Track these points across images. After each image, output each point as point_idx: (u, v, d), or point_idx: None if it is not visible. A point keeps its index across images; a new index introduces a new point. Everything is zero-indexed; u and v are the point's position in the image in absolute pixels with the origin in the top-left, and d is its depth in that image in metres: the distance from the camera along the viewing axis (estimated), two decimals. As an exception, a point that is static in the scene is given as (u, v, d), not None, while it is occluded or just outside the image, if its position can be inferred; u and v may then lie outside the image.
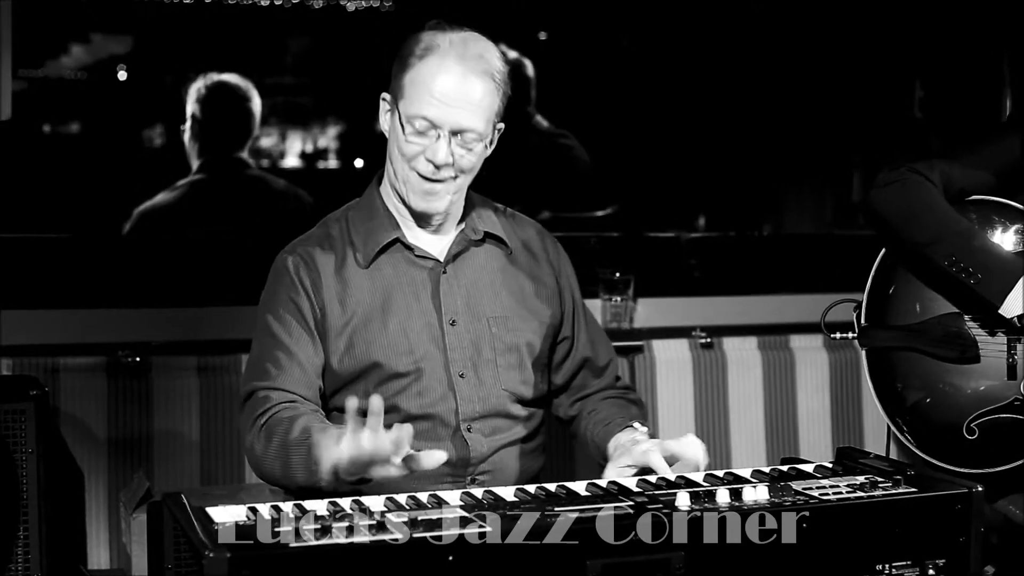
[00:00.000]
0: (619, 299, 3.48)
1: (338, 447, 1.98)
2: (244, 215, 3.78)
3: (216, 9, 6.02)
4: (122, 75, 6.42)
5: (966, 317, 2.87)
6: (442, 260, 2.42)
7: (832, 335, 3.10)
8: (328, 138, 7.20)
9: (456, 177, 2.32)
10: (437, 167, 2.29)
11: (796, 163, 6.16)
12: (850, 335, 3.04)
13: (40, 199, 5.36)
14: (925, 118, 5.18)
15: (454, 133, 2.27)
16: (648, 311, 3.55)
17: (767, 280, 3.81)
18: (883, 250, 3.01)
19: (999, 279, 2.74)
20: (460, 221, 2.46)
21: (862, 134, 5.98)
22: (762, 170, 6.20)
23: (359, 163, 7.13)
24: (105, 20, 6.29)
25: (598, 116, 6.04)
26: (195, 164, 3.86)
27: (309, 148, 7.11)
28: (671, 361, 3.43)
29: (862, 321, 3.02)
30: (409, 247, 2.40)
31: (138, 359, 3.05)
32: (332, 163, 7.15)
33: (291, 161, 7.07)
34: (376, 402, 1.93)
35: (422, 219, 2.40)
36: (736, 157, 6.14)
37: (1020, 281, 2.72)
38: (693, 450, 2.21)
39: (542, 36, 6.30)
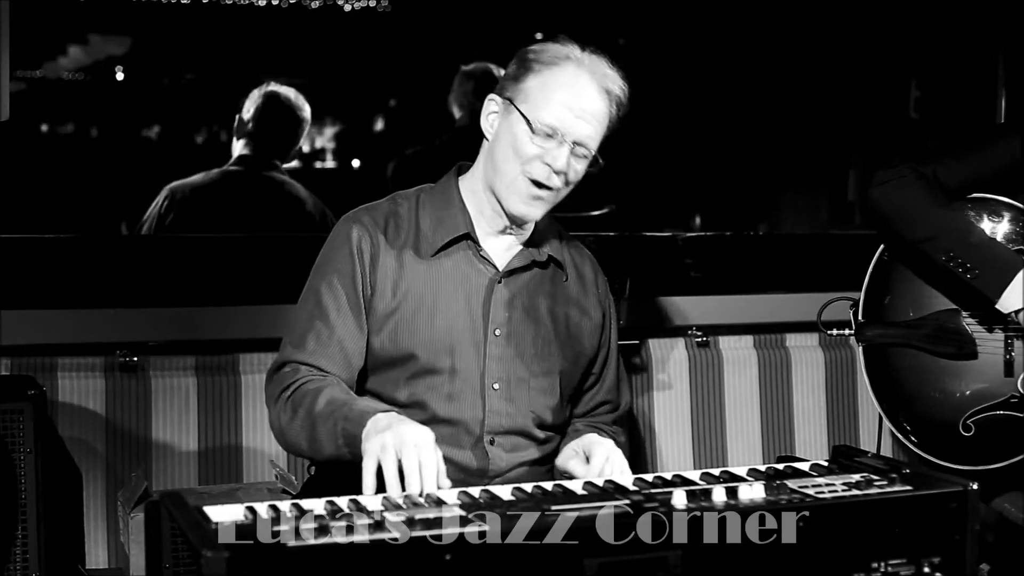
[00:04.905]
0: (615, 298, 3.48)
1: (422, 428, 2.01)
2: (262, 216, 3.79)
3: (213, 10, 6.03)
4: (119, 76, 6.42)
5: (964, 314, 2.88)
6: (501, 269, 2.40)
7: (829, 332, 3.10)
8: (325, 138, 7.20)
9: (561, 188, 2.33)
10: (554, 172, 2.29)
11: (792, 163, 6.18)
12: (847, 332, 3.05)
13: (38, 199, 5.38)
14: (921, 118, 5.18)
15: (574, 144, 2.29)
16: (644, 310, 3.55)
17: (763, 279, 3.81)
18: (880, 248, 3.01)
19: (997, 274, 2.74)
20: (528, 237, 2.44)
21: (858, 134, 6.00)
22: (758, 170, 6.22)
23: (356, 163, 7.13)
24: (103, 21, 6.29)
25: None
26: (235, 155, 3.91)
27: (307, 148, 7.12)
28: (667, 360, 3.44)
29: (859, 318, 3.03)
30: (476, 243, 2.38)
31: (136, 359, 3.05)
32: (329, 163, 7.16)
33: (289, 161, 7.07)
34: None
35: (513, 222, 2.38)
36: (732, 157, 6.16)
37: (1017, 276, 2.73)
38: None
39: (539, 36, 6.31)
